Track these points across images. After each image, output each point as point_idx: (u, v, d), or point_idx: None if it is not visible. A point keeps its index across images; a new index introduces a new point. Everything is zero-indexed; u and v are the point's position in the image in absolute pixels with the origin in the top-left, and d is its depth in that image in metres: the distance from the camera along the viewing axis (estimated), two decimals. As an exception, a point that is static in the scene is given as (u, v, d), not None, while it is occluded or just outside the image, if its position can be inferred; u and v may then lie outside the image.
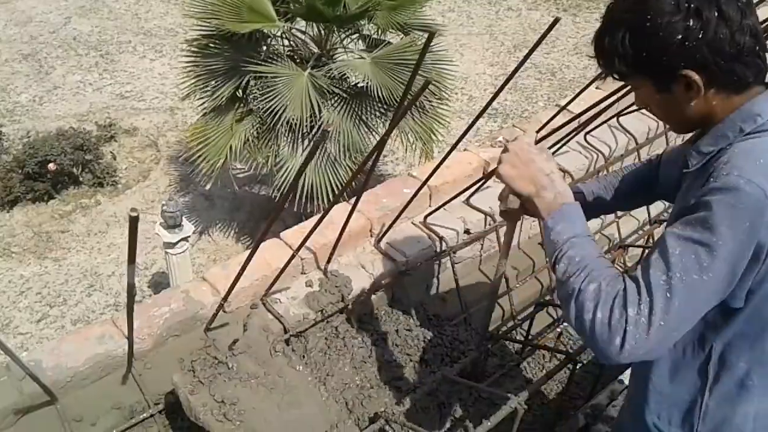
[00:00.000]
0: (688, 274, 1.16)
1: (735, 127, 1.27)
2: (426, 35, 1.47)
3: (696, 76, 1.23)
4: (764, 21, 2.52)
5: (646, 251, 3.11)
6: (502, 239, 2.76)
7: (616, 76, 1.38)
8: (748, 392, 1.39)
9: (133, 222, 0.96)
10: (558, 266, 1.32)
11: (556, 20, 1.40)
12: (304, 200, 4.86)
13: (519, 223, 2.91)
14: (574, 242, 1.32)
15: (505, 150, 1.49)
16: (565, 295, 1.28)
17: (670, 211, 3.34)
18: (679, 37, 1.21)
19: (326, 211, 1.91)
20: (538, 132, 2.31)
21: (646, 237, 3.09)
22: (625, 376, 2.29)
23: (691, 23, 1.19)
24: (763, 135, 1.25)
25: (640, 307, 1.17)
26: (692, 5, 1.19)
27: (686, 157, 1.37)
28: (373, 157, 1.77)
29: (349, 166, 4.94)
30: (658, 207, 3.31)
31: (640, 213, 3.23)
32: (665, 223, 3.15)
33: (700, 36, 1.19)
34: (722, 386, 1.41)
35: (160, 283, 5.52)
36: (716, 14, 1.19)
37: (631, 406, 1.63)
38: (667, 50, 1.23)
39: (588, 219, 1.66)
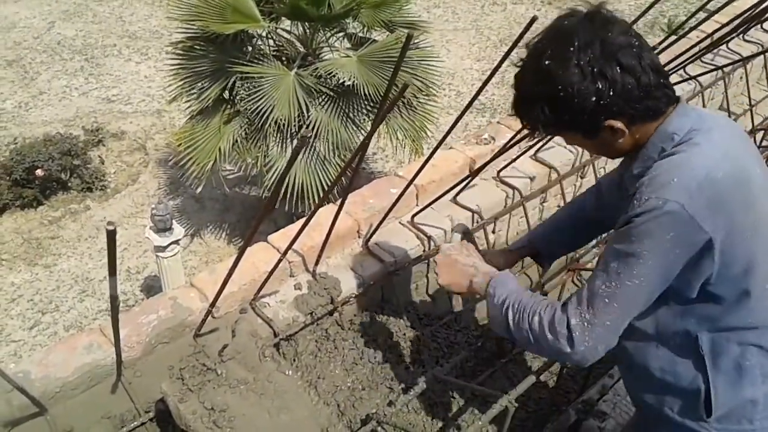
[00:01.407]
0: (621, 280, 1.35)
1: (656, 148, 1.41)
2: (413, 32, 1.48)
3: (618, 124, 1.39)
4: (732, 30, 2.55)
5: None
6: (490, 237, 2.77)
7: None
8: (749, 373, 1.45)
9: (111, 235, 0.95)
10: (508, 323, 1.51)
11: (533, 19, 1.42)
12: (295, 200, 4.85)
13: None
14: (510, 297, 1.52)
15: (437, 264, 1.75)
16: (524, 340, 1.49)
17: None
18: (593, 98, 1.34)
19: (312, 213, 1.91)
20: (522, 129, 2.32)
21: (599, 257, 3.08)
22: (616, 372, 2.30)
23: (600, 85, 1.33)
24: (678, 151, 1.38)
25: (581, 315, 1.38)
26: (595, 68, 1.33)
27: (625, 183, 1.51)
28: (357, 158, 1.76)
29: (338, 165, 4.92)
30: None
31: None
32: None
33: (611, 92, 1.33)
34: (722, 371, 1.46)
35: (152, 287, 5.50)
36: (618, 69, 1.32)
37: (639, 400, 1.66)
38: (585, 111, 1.36)
39: (552, 261, 2.00)
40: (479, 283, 1.63)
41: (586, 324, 1.37)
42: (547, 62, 1.36)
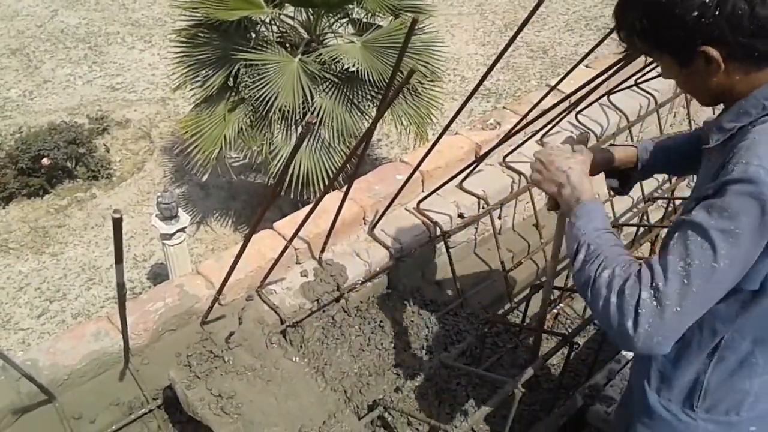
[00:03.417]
0: (705, 261, 1.16)
1: (758, 105, 1.24)
2: (417, 17, 1.45)
3: (714, 52, 1.21)
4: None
5: (641, 230, 3.12)
6: (496, 223, 2.76)
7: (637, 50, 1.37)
8: (750, 368, 1.40)
9: (117, 223, 0.95)
10: (576, 258, 1.34)
11: (539, 3, 1.39)
12: (300, 187, 4.85)
13: (514, 205, 2.91)
14: (591, 236, 1.34)
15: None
16: (581, 283, 1.31)
17: (664, 187, 3.35)
18: (695, 13, 1.18)
19: (318, 201, 1.90)
20: (528, 114, 2.31)
21: (639, 215, 3.09)
22: (622, 357, 2.30)
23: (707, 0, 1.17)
24: None
25: (654, 292, 1.18)
26: None
27: (708, 133, 1.36)
28: (362, 145, 1.76)
29: (343, 152, 4.92)
30: (651, 185, 3.30)
31: (634, 191, 3.23)
32: (672, 203, 3.14)
33: (717, 12, 1.17)
34: (725, 364, 1.42)
35: (159, 275, 5.52)
36: None
37: (633, 384, 1.64)
38: (684, 27, 1.21)
39: (643, 178, 1.77)
40: (567, 196, 1.46)
41: (656, 304, 1.17)
42: None
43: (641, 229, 3.15)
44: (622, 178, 1.83)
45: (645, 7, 1.26)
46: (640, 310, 1.17)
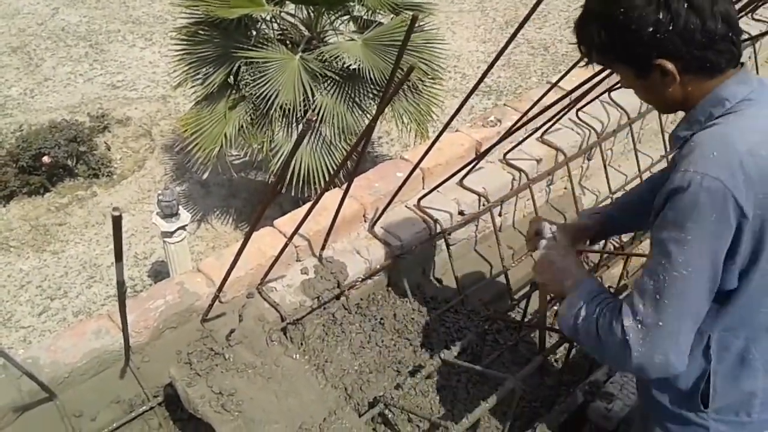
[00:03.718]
0: (667, 273, 1.25)
1: (705, 112, 1.32)
2: (417, 14, 1.45)
3: (670, 65, 1.28)
4: (741, 8, 2.51)
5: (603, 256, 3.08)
6: (497, 220, 2.76)
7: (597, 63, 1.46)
8: (751, 367, 1.41)
9: (117, 221, 0.95)
10: (578, 324, 1.43)
11: (540, 0, 1.39)
12: (301, 184, 4.85)
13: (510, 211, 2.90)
14: (579, 300, 1.45)
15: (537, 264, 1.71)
16: (587, 342, 1.42)
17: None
18: (650, 29, 1.25)
19: (317, 198, 1.90)
20: (528, 111, 2.31)
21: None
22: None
23: (662, 15, 1.23)
24: (722, 122, 1.29)
25: (635, 316, 1.28)
26: None
27: (670, 143, 1.43)
28: (362, 142, 1.76)
29: (344, 149, 4.91)
30: (646, 161, 3.30)
31: (630, 169, 3.24)
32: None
33: (671, 27, 1.24)
34: (725, 365, 1.43)
35: (159, 272, 5.52)
36: (685, 5, 1.23)
37: (642, 389, 1.65)
38: (640, 41, 1.27)
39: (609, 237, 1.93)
40: (569, 286, 1.55)
41: (639, 326, 1.27)
42: None
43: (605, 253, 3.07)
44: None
45: (602, 23, 1.32)
46: (627, 337, 1.28)
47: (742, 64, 1.34)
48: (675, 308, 1.25)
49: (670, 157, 1.42)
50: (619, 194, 3.19)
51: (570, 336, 1.50)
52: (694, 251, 1.22)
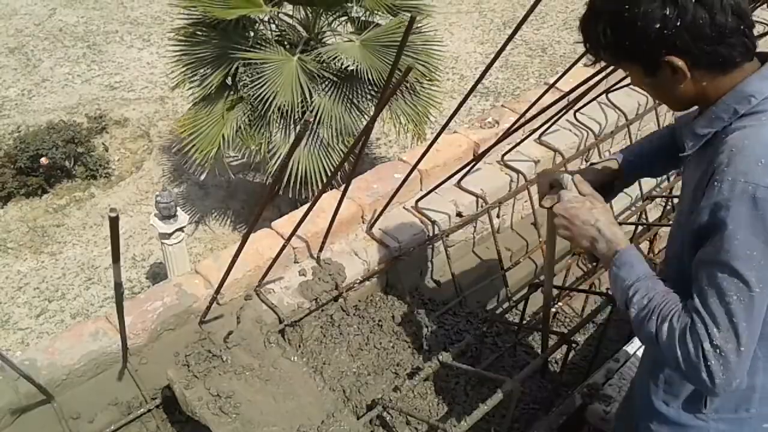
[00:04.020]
0: (742, 293, 1.19)
1: (729, 109, 1.27)
2: (415, 15, 1.45)
3: (679, 61, 1.24)
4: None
5: (639, 228, 3.12)
6: (495, 221, 2.76)
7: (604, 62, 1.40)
8: (754, 364, 1.40)
9: (114, 222, 0.95)
10: (630, 312, 1.36)
11: (537, 1, 1.38)
12: (298, 186, 4.85)
13: (512, 205, 2.91)
14: (638, 286, 1.36)
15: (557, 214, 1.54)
16: (646, 339, 1.35)
17: (662, 186, 3.35)
18: (657, 25, 1.21)
19: (315, 200, 1.90)
20: (526, 112, 2.31)
21: (638, 213, 3.09)
22: (621, 355, 2.30)
23: (668, 11, 1.20)
24: (756, 123, 1.24)
25: (711, 341, 1.22)
26: None
27: (682, 139, 1.37)
28: (360, 144, 1.75)
29: (342, 150, 4.92)
30: (650, 183, 3.30)
31: (633, 189, 3.23)
32: (670, 201, 3.13)
33: (678, 23, 1.20)
34: None
35: (158, 274, 5.52)
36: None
37: (638, 394, 1.64)
38: (647, 39, 1.23)
39: (626, 187, 1.76)
40: (602, 251, 1.44)
41: (719, 352, 1.21)
42: None
43: (640, 228, 3.15)
44: (605, 189, 1.81)
45: (608, 21, 1.28)
46: (709, 363, 1.22)
47: (764, 56, 1.30)
48: (751, 330, 1.22)
49: (690, 152, 1.35)
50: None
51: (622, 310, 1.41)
52: (763, 264, 1.18)
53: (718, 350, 1.21)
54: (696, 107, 1.38)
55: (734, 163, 1.20)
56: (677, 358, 1.26)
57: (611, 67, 2.04)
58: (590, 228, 1.46)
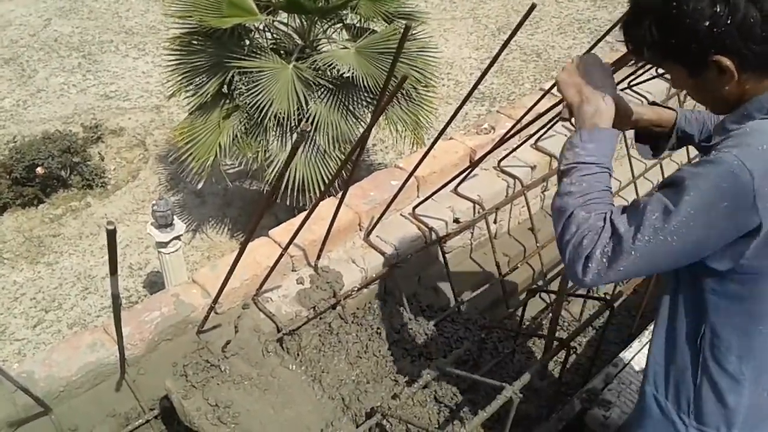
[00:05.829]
0: (655, 234, 1.19)
1: (761, 107, 1.24)
2: (411, 23, 1.44)
3: (728, 61, 1.20)
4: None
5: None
6: (492, 227, 2.76)
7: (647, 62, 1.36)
8: (739, 384, 1.39)
9: (111, 235, 0.95)
10: (564, 178, 1.35)
11: (533, 7, 1.39)
12: (295, 194, 4.84)
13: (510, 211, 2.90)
14: (590, 167, 1.33)
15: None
16: (559, 209, 1.34)
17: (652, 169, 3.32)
18: (707, 23, 1.17)
19: (312, 208, 1.90)
20: (522, 118, 2.31)
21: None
22: (620, 360, 2.30)
23: (718, 8, 1.16)
24: None
25: (605, 251, 1.24)
26: None
27: (713, 133, 1.35)
28: (357, 151, 1.76)
29: (339, 158, 4.91)
30: (639, 167, 3.31)
31: (623, 174, 3.24)
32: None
33: (729, 21, 1.16)
34: (714, 377, 1.40)
35: (155, 283, 5.51)
36: None
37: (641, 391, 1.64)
38: (695, 37, 1.20)
39: (675, 149, 1.73)
40: (587, 114, 1.39)
41: (605, 260, 1.23)
42: None
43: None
44: (652, 143, 1.76)
45: (655, 18, 1.24)
46: (590, 264, 1.24)
47: None
48: (639, 266, 1.23)
49: (714, 143, 1.29)
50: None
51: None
52: (690, 228, 1.18)
53: (604, 259, 1.24)
54: None
55: (737, 139, 1.20)
56: (570, 241, 1.28)
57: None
58: (591, 89, 1.41)
